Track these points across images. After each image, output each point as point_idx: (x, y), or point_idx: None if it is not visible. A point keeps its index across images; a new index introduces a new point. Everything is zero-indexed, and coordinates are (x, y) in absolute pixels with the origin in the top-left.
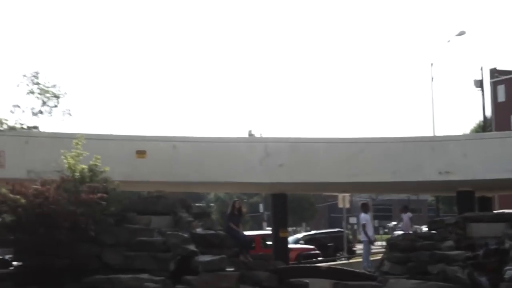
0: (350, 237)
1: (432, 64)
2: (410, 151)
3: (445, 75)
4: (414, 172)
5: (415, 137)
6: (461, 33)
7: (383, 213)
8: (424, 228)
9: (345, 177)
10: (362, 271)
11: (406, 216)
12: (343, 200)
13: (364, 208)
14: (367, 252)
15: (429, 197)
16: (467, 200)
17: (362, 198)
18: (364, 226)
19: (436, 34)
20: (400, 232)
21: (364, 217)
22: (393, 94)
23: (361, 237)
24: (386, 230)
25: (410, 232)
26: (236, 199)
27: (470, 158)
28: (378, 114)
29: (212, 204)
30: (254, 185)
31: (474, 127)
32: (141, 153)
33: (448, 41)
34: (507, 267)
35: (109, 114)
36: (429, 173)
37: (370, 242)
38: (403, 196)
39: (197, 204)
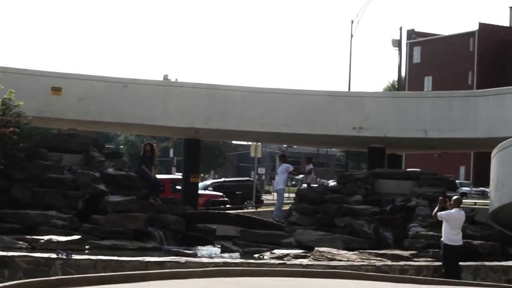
0: (258, 186)
1: (352, 21)
2: (326, 105)
3: (365, 33)
4: (329, 126)
5: (331, 91)
6: None
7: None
8: (332, 183)
9: (260, 127)
10: (270, 220)
11: (309, 167)
12: (256, 149)
13: (283, 159)
14: (281, 202)
15: (337, 152)
16: (378, 156)
17: (271, 148)
18: (287, 175)
19: None
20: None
21: (286, 167)
22: (314, 49)
23: (278, 185)
24: (294, 182)
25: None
26: (148, 141)
27: (384, 116)
28: (299, 68)
29: (122, 146)
30: (168, 128)
31: (388, 86)
32: (56, 90)
33: None
34: (412, 224)
35: (26, 49)
36: (343, 128)
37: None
38: (311, 149)
39: (107, 145)
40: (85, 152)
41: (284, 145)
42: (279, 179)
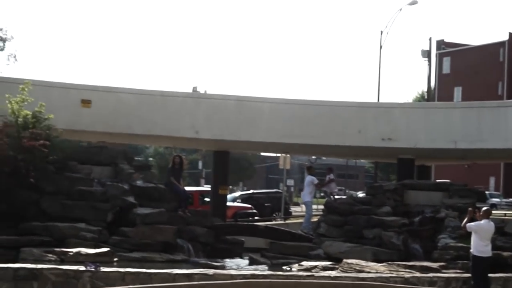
0: (287, 198)
1: (381, 32)
2: (355, 116)
3: (394, 44)
4: (358, 137)
5: (360, 102)
6: (413, 3)
7: (320, 177)
8: (361, 194)
9: (289, 138)
10: (299, 232)
11: (329, 177)
12: (285, 161)
13: (310, 170)
14: (310, 214)
15: (366, 163)
16: (407, 167)
17: (300, 160)
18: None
19: (389, 2)
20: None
21: (311, 179)
22: (344, 59)
23: (305, 198)
24: (322, 194)
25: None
26: (177, 153)
27: (413, 126)
28: (327, 79)
29: (151, 158)
30: (197, 140)
31: (417, 97)
32: (86, 102)
33: (400, 9)
34: (441, 236)
35: (56, 61)
36: (372, 139)
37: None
38: (341, 160)
39: (136, 158)
40: (115, 165)
41: (313, 157)
42: (306, 191)
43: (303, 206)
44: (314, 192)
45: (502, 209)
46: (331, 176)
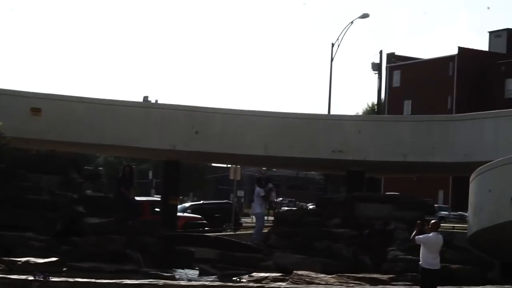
0: (237, 209)
1: (332, 44)
2: (306, 128)
3: (345, 56)
4: (309, 149)
5: (311, 114)
6: (365, 16)
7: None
8: (311, 206)
9: (239, 149)
10: (249, 243)
11: (268, 187)
12: (235, 172)
13: (259, 182)
14: (260, 225)
15: (316, 175)
16: (357, 180)
17: (250, 171)
18: (262, 198)
19: (340, 15)
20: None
21: (257, 191)
22: (295, 71)
23: (255, 209)
24: (274, 205)
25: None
26: (127, 163)
27: (364, 139)
28: (279, 90)
29: (101, 168)
30: (148, 150)
31: (367, 109)
32: (36, 111)
33: (351, 22)
34: (390, 248)
35: (5, 68)
36: (322, 151)
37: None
38: (291, 172)
39: (86, 167)
40: (64, 174)
41: (264, 168)
42: (255, 203)
43: (254, 217)
44: (264, 204)
45: (451, 222)
46: (270, 185)
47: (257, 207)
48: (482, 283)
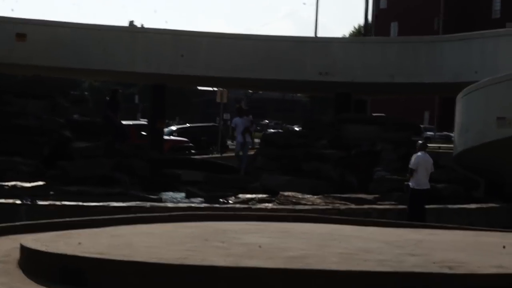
0: (224, 132)
1: None
2: (292, 51)
3: None
4: (296, 71)
5: (298, 36)
6: None
7: (257, 111)
8: (297, 128)
9: (226, 72)
10: (235, 166)
11: (248, 119)
12: (222, 95)
13: (240, 111)
14: (245, 153)
15: (303, 98)
16: (344, 102)
17: (237, 94)
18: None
19: None
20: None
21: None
22: None
23: (238, 138)
24: (259, 128)
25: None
26: (115, 87)
27: (351, 61)
28: (265, 14)
29: (86, 93)
30: (134, 74)
31: (354, 32)
32: (21, 36)
33: None
34: (377, 169)
35: None
36: (310, 73)
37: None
38: (277, 95)
39: (72, 92)
40: (51, 98)
41: (250, 91)
42: (238, 132)
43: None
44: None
45: (436, 142)
46: (251, 117)
47: (239, 136)
48: (467, 201)
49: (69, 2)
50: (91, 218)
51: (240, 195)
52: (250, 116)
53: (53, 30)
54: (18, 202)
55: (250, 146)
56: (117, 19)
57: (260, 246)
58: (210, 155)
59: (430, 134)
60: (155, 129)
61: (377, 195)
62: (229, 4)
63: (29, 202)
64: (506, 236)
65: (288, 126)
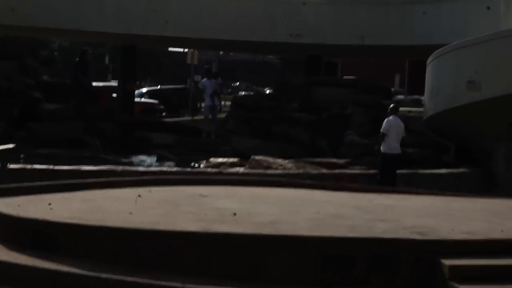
0: (194, 94)
1: None
2: (263, 12)
3: None
4: (267, 32)
5: None
6: None
7: (228, 73)
8: (268, 90)
9: (196, 33)
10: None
11: (217, 82)
12: (192, 56)
13: (208, 73)
14: (214, 116)
15: (273, 60)
16: (315, 64)
17: (207, 55)
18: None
19: None
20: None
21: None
22: None
23: (209, 101)
24: (230, 90)
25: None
26: (85, 48)
27: (321, 23)
28: None
29: (56, 53)
30: (104, 35)
31: None
32: None
33: None
34: (348, 132)
35: None
36: (280, 35)
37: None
38: (247, 56)
39: (41, 52)
40: (20, 59)
41: (221, 52)
42: (206, 95)
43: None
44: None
45: (407, 105)
46: (220, 80)
47: (208, 99)
48: (437, 166)
49: None
50: (62, 182)
51: (211, 159)
52: (219, 79)
53: None
54: None
55: (218, 109)
56: None
57: (235, 214)
58: (181, 118)
59: (400, 97)
60: (126, 91)
61: (348, 160)
62: None
63: None
64: (475, 201)
65: (259, 88)
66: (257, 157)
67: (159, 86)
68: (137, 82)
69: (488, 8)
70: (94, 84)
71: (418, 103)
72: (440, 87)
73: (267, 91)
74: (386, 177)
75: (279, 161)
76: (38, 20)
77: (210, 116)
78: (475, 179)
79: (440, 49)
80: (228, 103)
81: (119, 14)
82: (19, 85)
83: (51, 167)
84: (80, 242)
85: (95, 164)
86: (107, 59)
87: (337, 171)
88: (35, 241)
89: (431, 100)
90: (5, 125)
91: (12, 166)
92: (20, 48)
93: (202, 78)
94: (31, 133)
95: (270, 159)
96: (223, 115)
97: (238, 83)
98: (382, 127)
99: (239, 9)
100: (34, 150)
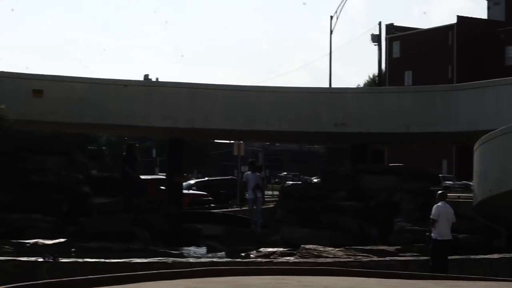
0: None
1: (331, 17)
2: (308, 102)
3: (345, 29)
4: (311, 122)
5: (313, 87)
6: None
7: (274, 163)
8: (315, 179)
9: (242, 125)
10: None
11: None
12: (238, 148)
13: (252, 166)
14: (259, 208)
15: (319, 149)
16: (360, 152)
17: (253, 146)
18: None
19: None
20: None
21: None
22: (295, 46)
23: (249, 194)
24: (277, 180)
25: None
26: (132, 142)
27: (366, 111)
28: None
29: (104, 148)
30: (151, 129)
31: (368, 81)
32: (37, 92)
33: None
34: (397, 219)
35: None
36: (325, 124)
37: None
38: (294, 146)
39: (89, 147)
40: (68, 154)
41: (267, 143)
42: (249, 188)
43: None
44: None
45: (456, 191)
46: (263, 174)
47: (250, 192)
48: (489, 251)
49: (83, 56)
50: (113, 275)
51: (262, 249)
52: (263, 172)
53: (69, 85)
54: (40, 259)
55: (261, 201)
56: (131, 73)
57: None
58: (230, 209)
59: (449, 183)
60: (174, 183)
61: (398, 247)
62: (245, 56)
63: (51, 260)
64: None
65: (306, 177)
66: (307, 246)
67: (206, 178)
68: (185, 174)
69: None
70: (142, 177)
71: (467, 189)
72: (488, 172)
73: (314, 180)
74: (438, 263)
75: (330, 249)
76: (86, 116)
77: (254, 207)
78: None
79: (486, 134)
80: (276, 193)
81: (165, 108)
82: (68, 180)
83: (102, 260)
84: None
85: (145, 257)
86: (154, 152)
87: (388, 258)
88: None
89: (480, 186)
90: (56, 219)
91: (63, 260)
92: (68, 143)
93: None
94: (81, 227)
95: (320, 248)
96: (271, 205)
97: (285, 172)
98: (432, 213)
99: (283, 101)
100: (84, 244)
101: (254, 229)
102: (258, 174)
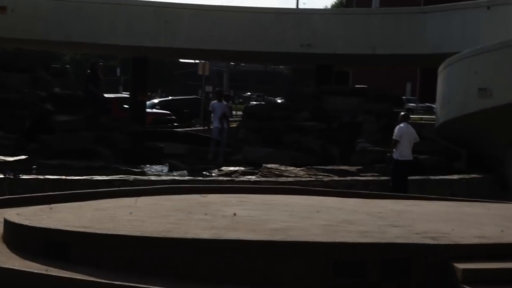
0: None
1: None
2: (274, 23)
3: None
4: (277, 43)
5: (279, 8)
6: None
7: (239, 83)
8: (279, 100)
9: (208, 45)
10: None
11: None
12: (203, 67)
13: (219, 96)
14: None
15: (284, 70)
16: (325, 74)
17: (218, 66)
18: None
19: None
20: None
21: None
22: None
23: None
24: (241, 100)
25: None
26: (95, 60)
27: (332, 33)
28: None
29: (67, 66)
30: (116, 47)
31: (336, 3)
32: (1, 9)
33: None
34: (359, 140)
35: None
36: (291, 45)
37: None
38: (259, 67)
39: (53, 65)
40: (32, 71)
41: (232, 63)
42: (215, 117)
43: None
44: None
45: (418, 113)
46: (230, 103)
47: (217, 121)
48: (449, 172)
49: None
50: (74, 192)
51: (223, 168)
52: (230, 102)
53: (35, 1)
54: (1, 176)
55: (227, 132)
56: None
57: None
58: (193, 128)
59: (412, 105)
60: (137, 102)
61: (359, 167)
62: None
63: (11, 176)
64: (486, 206)
65: (270, 98)
66: (269, 165)
67: (170, 97)
68: (149, 93)
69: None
70: (105, 95)
71: (430, 111)
72: (452, 95)
73: (278, 101)
74: (398, 184)
75: (291, 168)
76: (51, 33)
77: (218, 138)
78: (487, 185)
79: (452, 57)
80: (239, 113)
81: (131, 27)
82: (30, 97)
83: (63, 177)
84: (92, 250)
85: (107, 174)
86: (118, 71)
87: (349, 178)
88: (48, 249)
89: (443, 108)
90: (17, 137)
91: (24, 176)
92: (32, 60)
93: (213, 88)
94: (43, 144)
95: (282, 167)
96: (234, 125)
97: (249, 93)
98: (394, 134)
99: (250, 21)
100: (46, 161)
101: (216, 159)
102: (225, 103)
